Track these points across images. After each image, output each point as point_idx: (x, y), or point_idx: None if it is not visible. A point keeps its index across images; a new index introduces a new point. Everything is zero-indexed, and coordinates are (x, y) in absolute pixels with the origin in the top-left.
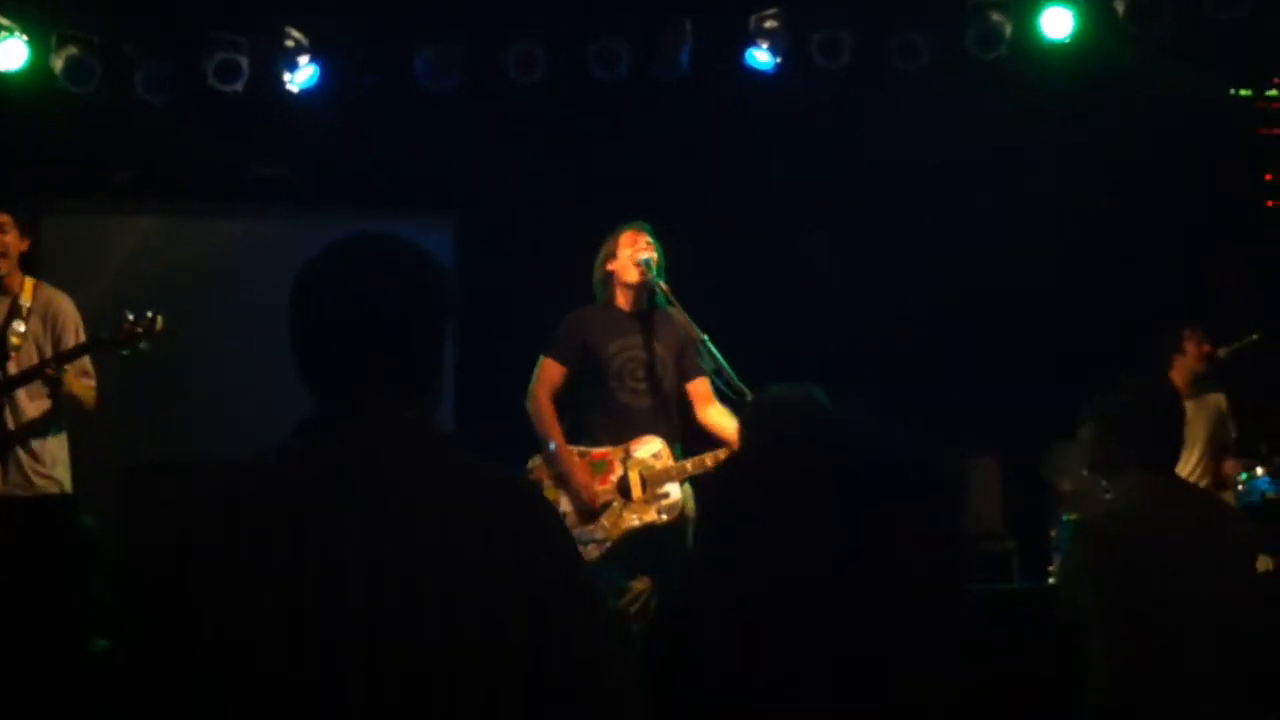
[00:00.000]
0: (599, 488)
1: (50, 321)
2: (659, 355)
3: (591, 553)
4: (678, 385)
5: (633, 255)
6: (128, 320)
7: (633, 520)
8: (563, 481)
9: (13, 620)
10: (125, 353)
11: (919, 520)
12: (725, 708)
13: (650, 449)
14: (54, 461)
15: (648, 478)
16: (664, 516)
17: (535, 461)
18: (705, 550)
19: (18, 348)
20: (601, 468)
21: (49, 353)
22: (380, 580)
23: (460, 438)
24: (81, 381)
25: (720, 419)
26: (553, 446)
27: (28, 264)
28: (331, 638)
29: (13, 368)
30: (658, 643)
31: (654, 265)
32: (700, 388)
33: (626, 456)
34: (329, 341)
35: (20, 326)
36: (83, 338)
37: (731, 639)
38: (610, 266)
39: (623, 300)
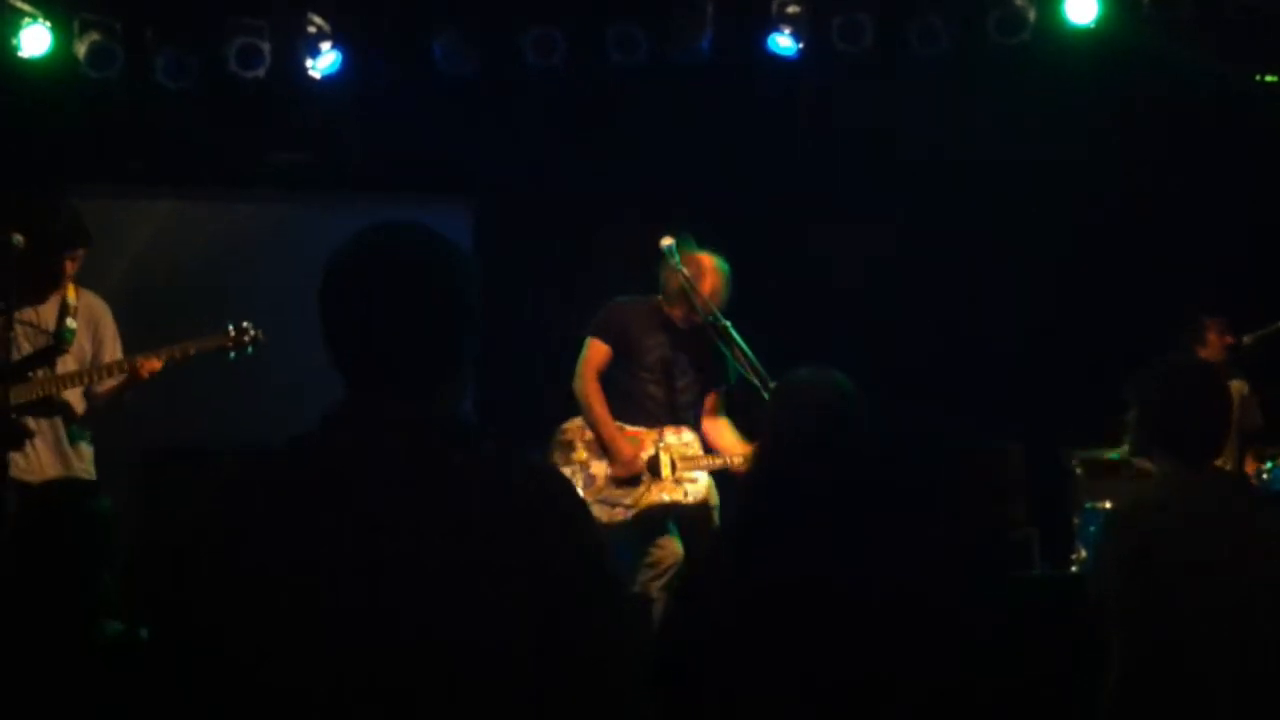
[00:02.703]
0: (633, 462)
1: (93, 325)
2: (690, 358)
3: (617, 515)
4: (701, 389)
5: (709, 303)
6: (230, 333)
7: (659, 496)
8: (602, 447)
9: (24, 602)
10: (233, 356)
11: (925, 530)
12: (731, 708)
13: (683, 437)
14: (87, 455)
15: (677, 461)
16: (689, 499)
17: (572, 423)
18: (717, 554)
19: (69, 344)
20: (634, 443)
21: (89, 351)
22: (385, 574)
23: (485, 427)
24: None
25: (716, 431)
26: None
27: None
28: (334, 631)
29: (70, 363)
30: (668, 643)
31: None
32: (711, 400)
33: (660, 439)
34: (350, 332)
35: (72, 323)
36: (119, 343)
37: (739, 640)
38: (690, 294)
39: (677, 315)
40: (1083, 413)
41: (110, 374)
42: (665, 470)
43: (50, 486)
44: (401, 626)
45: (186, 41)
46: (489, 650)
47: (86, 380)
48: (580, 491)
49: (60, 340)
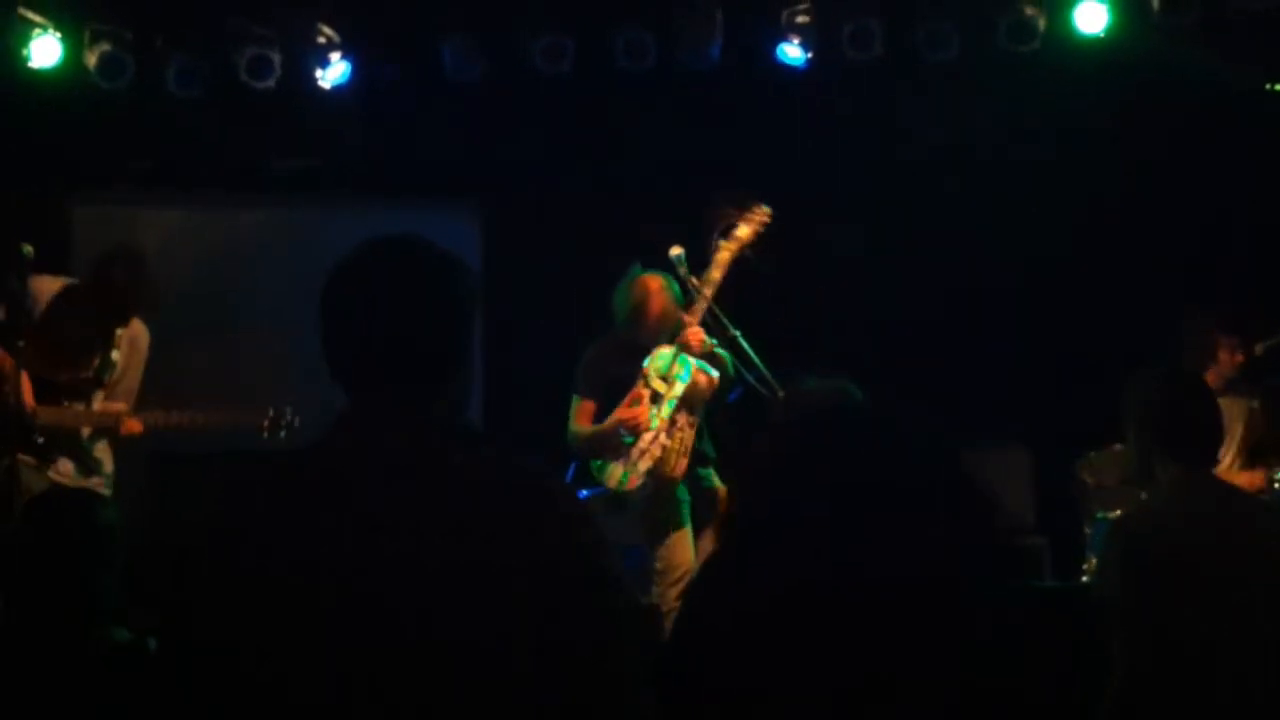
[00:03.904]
0: (638, 411)
1: (133, 346)
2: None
3: (655, 451)
4: None
5: (661, 325)
6: (270, 415)
7: (665, 409)
8: (610, 439)
9: (33, 609)
10: (265, 436)
11: (926, 532)
12: (732, 711)
13: (657, 355)
14: (107, 468)
15: (662, 372)
16: (679, 387)
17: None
18: (719, 559)
19: (110, 377)
20: (635, 404)
21: (128, 374)
22: (385, 574)
23: (490, 432)
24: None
25: None
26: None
27: (56, 259)
28: (335, 632)
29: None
30: (672, 646)
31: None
32: None
33: (644, 378)
34: (352, 335)
35: (115, 355)
36: (139, 374)
37: (740, 645)
38: (641, 315)
39: (641, 337)
40: (1088, 418)
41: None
42: (661, 387)
43: (54, 495)
44: (402, 626)
45: (197, 51)
46: (489, 650)
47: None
48: (622, 468)
49: (100, 376)
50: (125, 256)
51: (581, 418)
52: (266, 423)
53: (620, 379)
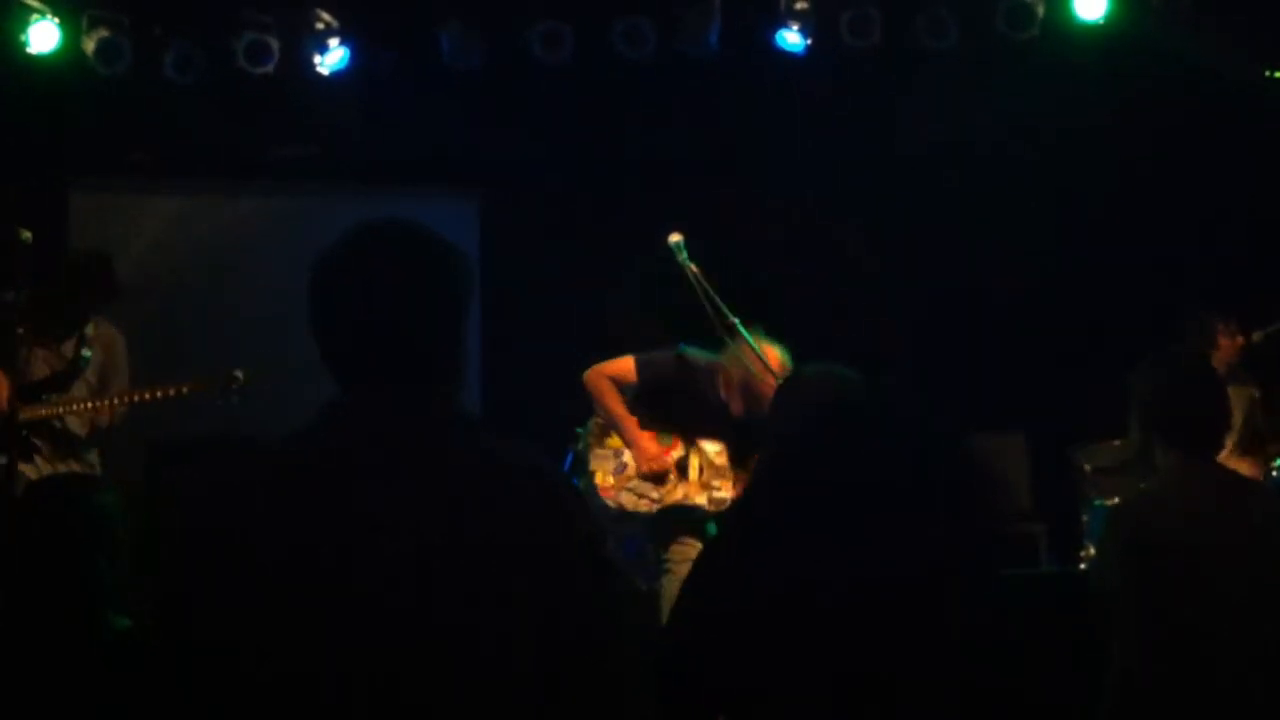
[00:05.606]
0: (663, 456)
1: (109, 353)
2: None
3: (642, 505)
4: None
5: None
6: (218, 381)
7: (682, 496)
8: (629, 444)
9: (33, 597)
10: (220, 403)
11: (925, 530)
12: (731, 710)
13: (715, 446)
14: (92, 460)
15: (705, 467)
16: (711, 506)
17: (598, 419)
18: (719, 553)
19: (84, 370)
20: (667, 440)
21: (98, 380)
22: (385, 572)
23: (486, 420)
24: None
25: None
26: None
27: (54, 245)
28: (335, 630)
29: (82, 387)
30: (669, 646)
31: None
32: None
33: (692, 443)
34: (346, 331)
35: (87, 352)
36: (126, 375)
37: (741, 641)
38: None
39: (729, 399)
40: (1089, 408)
41: (108, 406)
42: (693, 473)
43: (52, 481)
44: (402, 625)
45: (195, 37)
46: (489, 648)
47: (89, 409)
48: (611, 477)
49: (75, 368)
50: (93, 255)
51: (616, 373)
52: (216, 385)
53: (671, 402)
